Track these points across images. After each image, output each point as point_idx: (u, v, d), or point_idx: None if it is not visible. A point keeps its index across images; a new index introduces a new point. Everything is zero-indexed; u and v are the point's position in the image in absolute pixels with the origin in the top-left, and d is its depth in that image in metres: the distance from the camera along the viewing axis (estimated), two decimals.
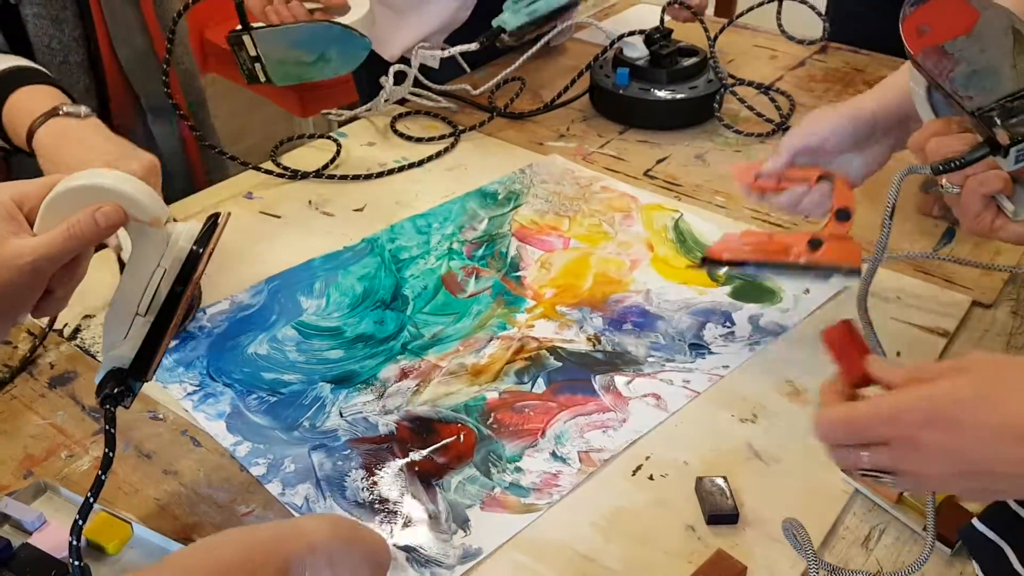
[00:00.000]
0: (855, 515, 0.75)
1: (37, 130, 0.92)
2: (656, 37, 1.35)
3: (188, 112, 1.28)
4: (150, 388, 0.87)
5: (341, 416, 0.84)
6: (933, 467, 0.52)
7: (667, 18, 1.44)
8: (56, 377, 0.89)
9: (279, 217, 1.14)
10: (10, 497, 0.73)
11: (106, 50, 1.15)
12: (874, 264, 0.80)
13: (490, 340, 0.94)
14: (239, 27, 1.03)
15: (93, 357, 0.91)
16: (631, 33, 1.38)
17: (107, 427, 0.67)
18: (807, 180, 0.90)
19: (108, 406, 0.68)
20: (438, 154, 1.26)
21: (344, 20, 1.06)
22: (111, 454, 0.66)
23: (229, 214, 0.69)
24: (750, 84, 1.41)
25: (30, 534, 0.72)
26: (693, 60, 1.35)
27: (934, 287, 1.00)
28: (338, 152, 1.25)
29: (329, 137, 1.29)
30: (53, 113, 0.93)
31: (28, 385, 0.88)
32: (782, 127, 1.31)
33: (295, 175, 1.20)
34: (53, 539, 0.71)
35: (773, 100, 1.38)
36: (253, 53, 1.06)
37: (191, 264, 0.67)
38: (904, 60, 0.83)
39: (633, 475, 0.79)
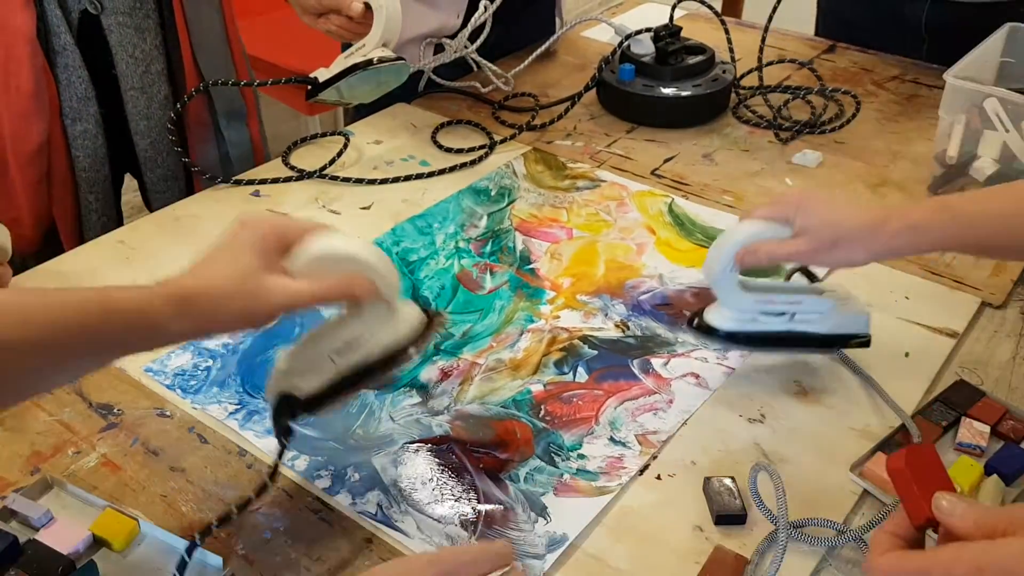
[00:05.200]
0: (864, 515, 0.75)
1: None
2: (663, 34, 1.35)
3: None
4: (156, 385, 0.87)
5: (392, 421, 0.84)
6: None
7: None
8: None
9: (286, 215, 1.13)
10: (17, 493, 0.73)
11: (187, 58, 1.16)
12: None
13: (521, 334, 0.94)
14: (309, 89, 1.16)
15: None
16: (640, 31, 1.37)
17: (278, 459, 0.73)
18: None
19: (283, 438, 0.72)
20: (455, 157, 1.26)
21: (374, 52, 1.14)
22: (269, 483, 0.72)
23: (449, 318, 0.75)
24: (761, 90, 1.40)
25: (37, 530, 0.71)
26: (699, 58, 1.35)
27: (943, 287, 0.99)
28: (345, 147, 1.24)
29: (340, 133, 1.29)
30: None
31: None
32: (793, 128, 1.31)
33: (301, 175, 1.20)
34: (60, 535, 0.71)
35: (788, 101, 1.38)
36: (332, 100, 1.18)
37: (400, 355, 0.72)
38: None
39: (641, 474, 0.79)
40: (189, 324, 0.65)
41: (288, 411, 0.72)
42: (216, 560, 0.70)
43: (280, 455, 0.73)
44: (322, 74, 1.15)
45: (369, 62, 1.12)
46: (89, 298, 0.61)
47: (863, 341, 0.86)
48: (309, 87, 1.15)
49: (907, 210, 0.80)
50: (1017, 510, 0.51)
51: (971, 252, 0.79)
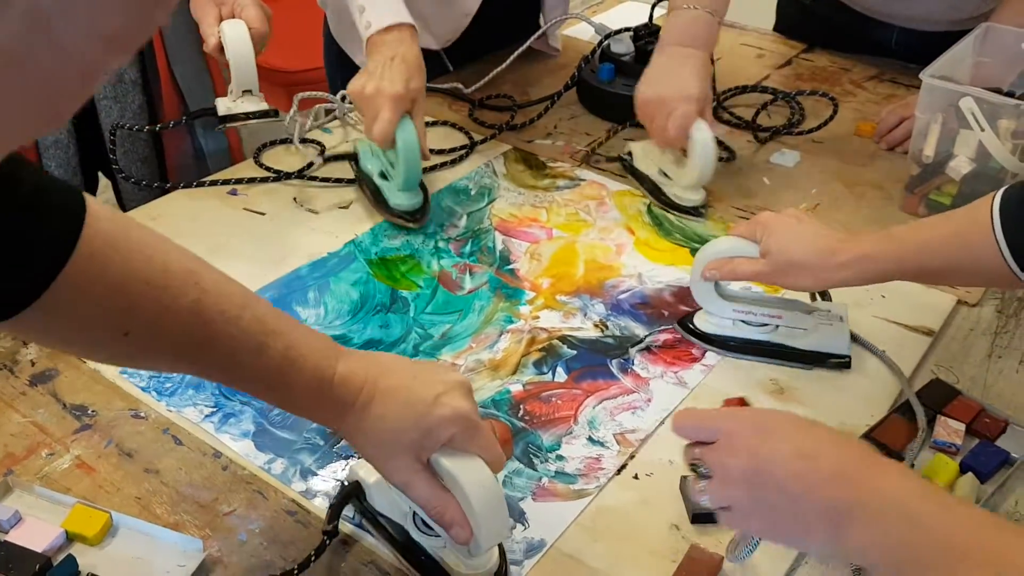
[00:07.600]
0: None
1: None
2: (643, 33, 1.35)
3: None
4: (131, 387, 0.86)
5: None
6: (737, 461, 0.59)
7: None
8: (37, 375, 0.88)
9: (263, 214, 1.13)
10: None
11: (163, 67, 1.14)
12: None
13: (500, 335, 0.94)
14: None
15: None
16: (619, 31, 1.37)
17: (332, 526, 0.72)
18: None
19: (328, 524, 0.72)
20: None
21: (239, 103, 1.18)
22: (328, 541, 0.71)
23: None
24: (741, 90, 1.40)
25: (7, 532, 0.71)
26: None
27: (919, 286, 0.99)
28: (322, 153, 1.23)
29: (313, 142, 1.27)
30: None
31: (9, 383, 0.87)
32: (771, 130, 1.31)
33: (279, 176, 1.19)
34: (32, 535, 0.70)
35: (767, 104, 1.38)
36: None
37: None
38: None
39: (618, 474, 0.79)
40: (333, 417, 0.66)
41: (348, 498, 0.72)
42: (196, 543, 0.70)
43: (333, 525, 0.72)
44: (221, 105, 1.18)
45: (244, 115, 1.17)
46: (272, 347, 0.62)
47: (843, 361, 0.88)
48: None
49: (856, 241, 0.82)
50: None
51: (916, 279, 0.83)
